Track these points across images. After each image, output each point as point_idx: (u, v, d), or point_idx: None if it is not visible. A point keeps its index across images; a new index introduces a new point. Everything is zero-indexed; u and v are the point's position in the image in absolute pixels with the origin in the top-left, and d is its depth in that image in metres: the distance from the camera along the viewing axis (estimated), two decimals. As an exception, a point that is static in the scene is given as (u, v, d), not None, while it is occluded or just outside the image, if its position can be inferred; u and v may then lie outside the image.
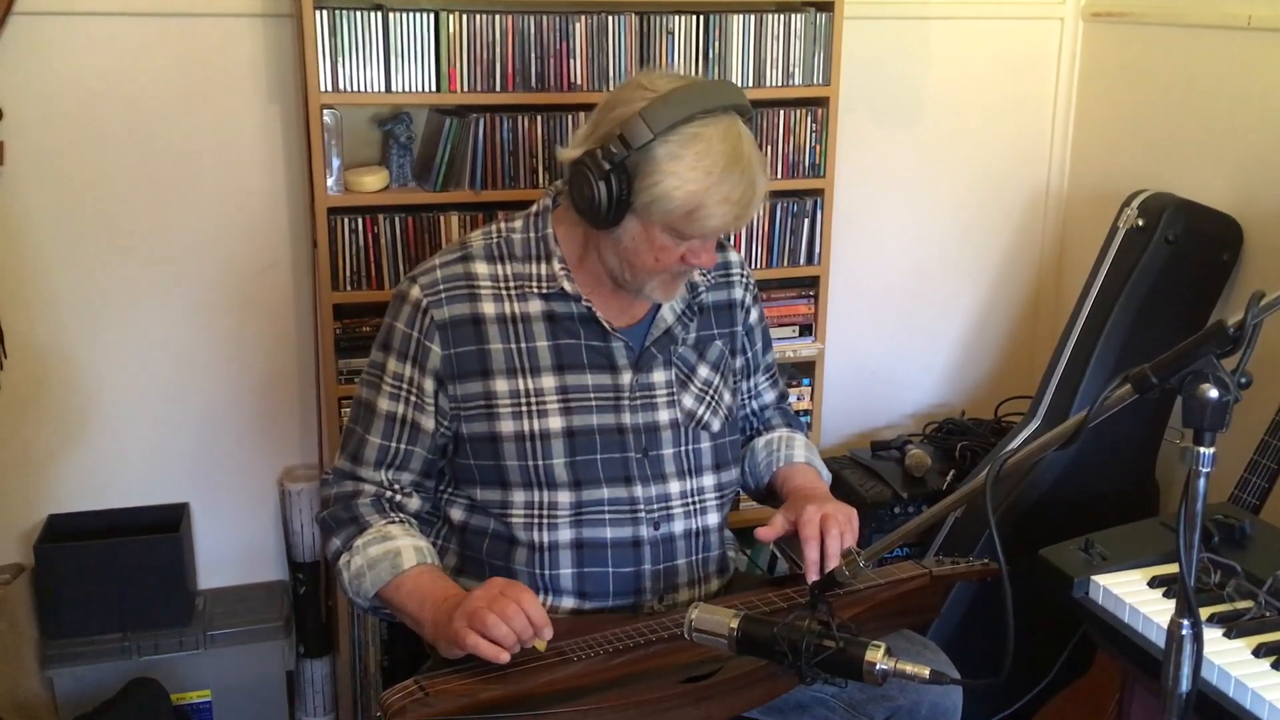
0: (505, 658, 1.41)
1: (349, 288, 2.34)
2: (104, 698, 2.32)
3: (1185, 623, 1.17)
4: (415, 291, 1.63)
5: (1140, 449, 2.51)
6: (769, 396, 1.93)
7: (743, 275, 1.82)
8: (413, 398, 1.63)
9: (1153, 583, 1.70)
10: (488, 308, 1.63)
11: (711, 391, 1.74)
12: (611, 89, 2.35)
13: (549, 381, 1.63)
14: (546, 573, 1.65)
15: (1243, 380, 1.12)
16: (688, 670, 1.47)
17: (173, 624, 2.43)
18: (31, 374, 2.41)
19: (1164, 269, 2.42)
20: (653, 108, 1.49)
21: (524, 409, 1.62)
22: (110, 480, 2.52)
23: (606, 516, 1.65)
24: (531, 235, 1.66)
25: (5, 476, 2.45)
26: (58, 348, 2.43)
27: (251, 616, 2.50)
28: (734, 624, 1.32)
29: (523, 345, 1.63)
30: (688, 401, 1.71)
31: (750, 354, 1.85)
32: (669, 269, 1.59)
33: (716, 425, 1.74)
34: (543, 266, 1.64)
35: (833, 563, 1.57)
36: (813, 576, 1.59)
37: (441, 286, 1.62)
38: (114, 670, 2.36)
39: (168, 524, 2.48)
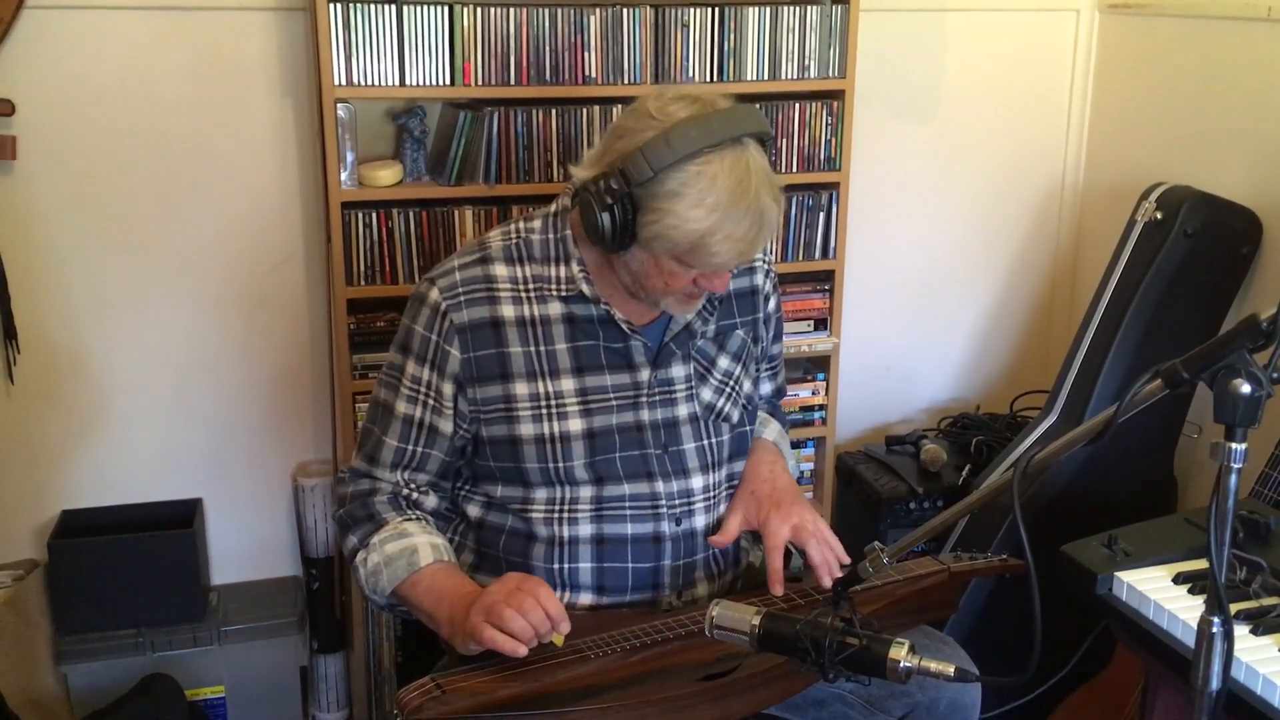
0: (523, 651, 1.40)
1: (363, 283, 2.33)
2: (118, 694, 2.32)
3: (1216, 620, 1.16)
4: (434, 294, 1.61)
5: (1158, 444, 2.50)
6: (766, 388, 1.91)
7: (764, 262, 1.79)
8: (431, 401, 1.62)
9: (1178, 579, 1.68)
10: (507, 310, 1.61)
11: (731, 382, 1.72)
12: (625, 84, 2.36)
13: (568, 384, 1.62)
14: (565, 567, 1.63)
15: (1275, 375, 1.11)
16: (706, 668, 1.47)
17: (186, 620, 2.42)
18: (45, 369, 2.41)
19: (1182, 263, 2.40)
20: (655, 144, 1.44)
21: (544, 412, 1.61)
22: (124, 476, 2.51)
23: (628, 512, 1.64)
24: (550, 236, 1.64)
25: (19, 472, 2.45)
26: (71, 343, 2.42)
27: (265, 612, 2.50)
28: (756, 621, 1.31)
29: (542, 348, 1.62)
30: (706, 395, 1.70)
31: (763, 343, 1.83)
32: (682, 290, 1.57)
33: (736, 415, 1.73)
34: (562, 269, 1.62)
35: (825, 575, 1.59)
36: (778, 590, 1.59)
37: (460, 289, 1.61)
38: (128, 666, 2.36)
39: (181, 519, 2.48)
